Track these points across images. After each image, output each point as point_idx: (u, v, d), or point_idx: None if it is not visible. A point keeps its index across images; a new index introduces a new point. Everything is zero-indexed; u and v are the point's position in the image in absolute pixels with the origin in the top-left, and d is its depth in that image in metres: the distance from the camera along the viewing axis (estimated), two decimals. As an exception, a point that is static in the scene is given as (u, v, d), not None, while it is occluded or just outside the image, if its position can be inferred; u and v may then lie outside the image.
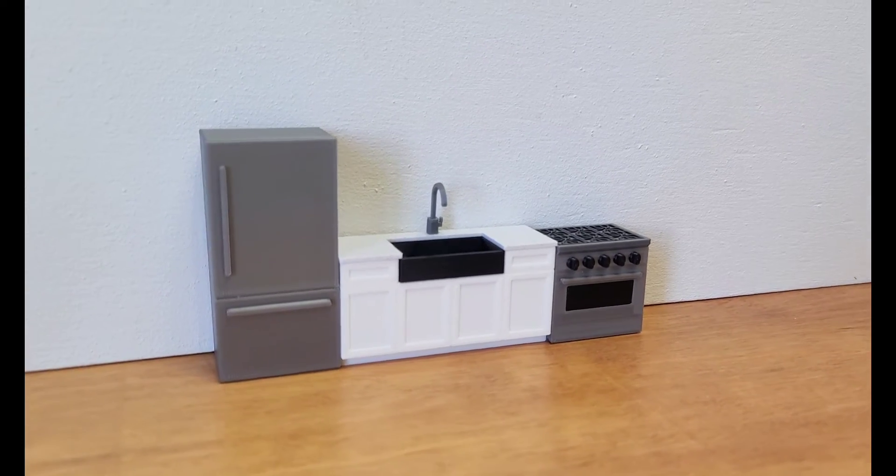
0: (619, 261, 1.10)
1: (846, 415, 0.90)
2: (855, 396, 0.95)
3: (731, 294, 1.33)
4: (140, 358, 1.01)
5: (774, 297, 1.33)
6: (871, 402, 0.93)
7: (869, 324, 1.21)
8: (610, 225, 1.19)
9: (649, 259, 1.25)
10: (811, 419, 0.89)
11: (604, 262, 1.09)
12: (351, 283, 0.97)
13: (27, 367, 0.96)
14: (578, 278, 1.08)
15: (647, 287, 1.27)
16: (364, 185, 1.07)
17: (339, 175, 1.05)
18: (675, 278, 1.28)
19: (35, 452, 0.78)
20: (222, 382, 0.95)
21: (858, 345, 1.12)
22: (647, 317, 1.22)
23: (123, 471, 0.75)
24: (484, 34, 1.06)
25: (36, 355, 0.96)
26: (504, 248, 1.03)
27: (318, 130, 0.97)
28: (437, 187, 1.05)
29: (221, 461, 0.77)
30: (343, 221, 1.07)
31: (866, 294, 1.36)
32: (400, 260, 0.98)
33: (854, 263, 1.41)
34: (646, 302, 1.28)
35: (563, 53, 1.11)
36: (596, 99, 1.15)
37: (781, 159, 1.30)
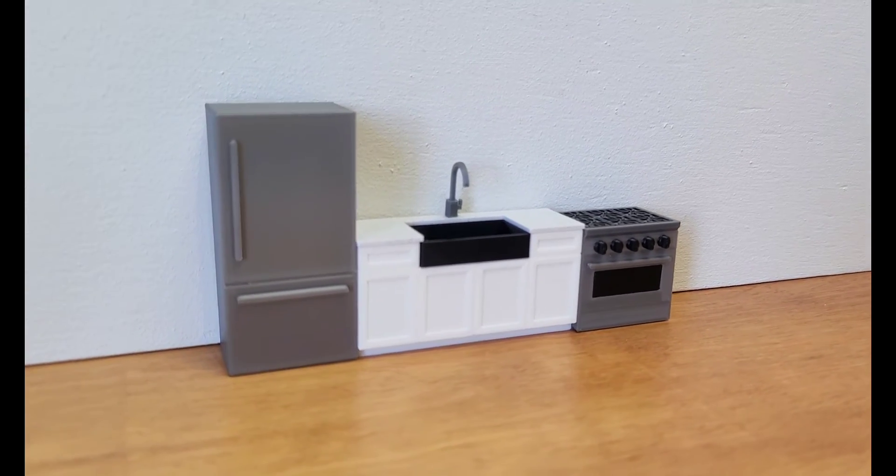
0: (648, 244, 1.04)
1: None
2: (904, 384, 0.90)
3: (755, 280, 1.28)
4: (141, 350, 0.94)
5: (800, 283, 1.29)
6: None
7: (903, 309, 1.17)
8: (634, 208, 1.13)
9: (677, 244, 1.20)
10: (863, 408, 0.84)
11: (632, 245, 1.03)
12: (369, 269, 0.91)
13: (26, 361, 0.89)
14: (606, 263, 1.03)
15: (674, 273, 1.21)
16: (379, 165, 1.00)
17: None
18: (699, 264, 1.23)
19: (34, 452, 0.71)
20: (232, 375, 0.88)
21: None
22: (674, 304, 1.17)
23: (132, 471, 0.68)
24: (505, 4, 1.00)
25: (31, 348, 0.89)
26: (529, 231, 0.97)
27: (331, 105, 0.91)
28: (458, 166, 0.98)
29: (239, 460, 0.71)
30: (357, 203, 1.01)
31: (893, 280, 1.31)
32: (421, 243, 0.92)
33: (879, 248, 1.36)
34: (680, 288, 1.22)
35: (588, 26, 1.05)
36: (620, 75, 1.09)
37: (807, 140, 1.25)
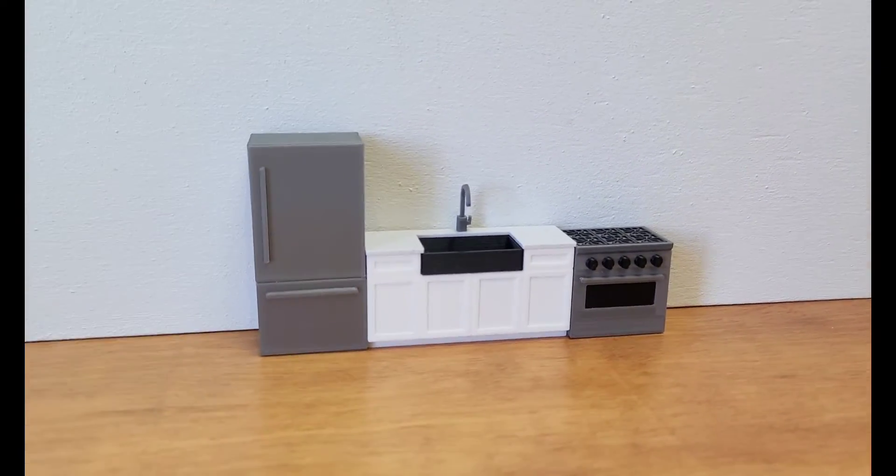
0: (640, 263, 1.14)
1: (841, 424, 0.91)
2: (858, 407, 0.95)
3: (771, 300, 1.33)
4: (199, 331, 1.16)
5: (819, 305, 1.32)
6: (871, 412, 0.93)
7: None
8: (640, 228, 1.22)
9: (682, 262, 1.28)
10: (802, 425, 0.91)
11: (624, 263, 1.13)
12: (377, 274, 1.08)
13: (107, 334, 1.14)
14: (597, 278, 1.14)
15: (680, 290, 1.29)
16: (399, 185, 1.17)
17: (376, 175, 1.16)
18: (709, 282, 1.30)
19: (96, 403, 0.94)
20: (263, 356, 1.08)
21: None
22: (677, 318, 1.25)
23: (161, 422, 0.89)
24: (516, 45, 1.13)
25: (114, 324, 1.14)
26: (523, 247, 1.10)
27: (353, 135, 1.08)
28: (464, 189, 1.13)
29: (241, 422, 0.90)
30: (380, 217, 1.18)
31: (922, 307, 1.31)
32: (422, 254, 1.08)
33: (914, 275, 1.36)
34: (679, 304, 1.30)
35: (596, 63, 1.16)
36: (628, 106, 1.19)
37: (832, 166, 1.28)
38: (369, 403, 0.95)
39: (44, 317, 1.12)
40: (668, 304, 1.30)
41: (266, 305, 1.06)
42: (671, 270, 1.28)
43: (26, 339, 1.12)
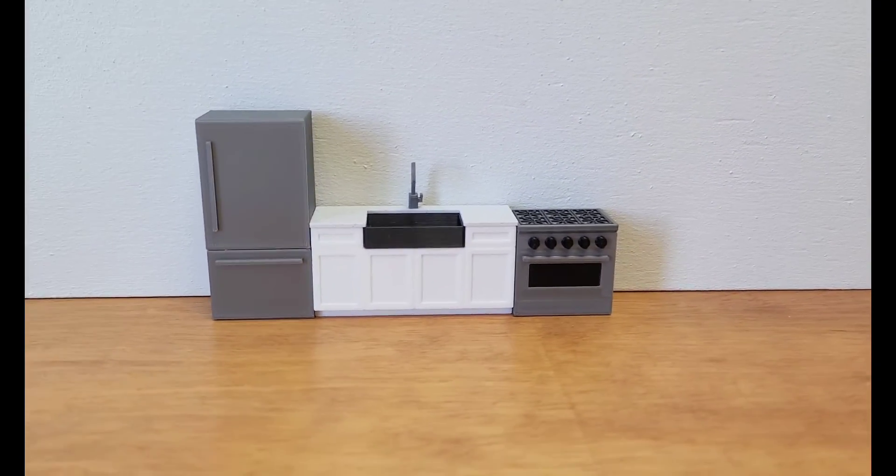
0: (584, 244, 1.15)
1: (748, 408, 0.90)
2: (776, 393, 0.94)
3: (736, 287, 1.31)
4: (164, 295, 1.24)
5: (786, 294, 1.29)
6: (783, 400, 0.92)
7: (863, 329, 1.15)
8: (595, 210, 1.23)
9: (642, 246, 1.27)
10: (706, 407, 0.91)
11: (567, 243, 1.14)
12: (321, 246, 1.13)
13: (81, 294, 1.23)
14: (540, 257, 1.15)
15: (639, 274, 1.29)
16: (354, 162, 1.21)
17: (332, 152, 1.21)
18: (671, 267, 1.29)
19: (49, 353, 1.03)
20: (215, 320, 1.15)
21: (834, 347, 1.08)
22: (633, 302, 1.25)
23: (99, 373, 0.98)
24: (468, 27, 1.16)
25: (88, 286, 1.23)
26: (465, 225, 1.13)
27: (301, 113, 1.13)
28: (413, 166, 1.17)
29: (169, 376, 0.97)
30: (335, 192, 1.23)
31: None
32: (364, 228, 1.12)
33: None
34: (638, 288, 1.30)
35: (549, 44, 1.17)
36: (584, 87, 1.20)
37: (802, 152, 1.25)
38: (294, 366, 1.00)
39: (26, 277, 1.22)
40: (627, 287, 1.30)
41: (216, 272, 1.13)
42: (631, 254, 1.28)
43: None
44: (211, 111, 1.15)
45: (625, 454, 0.81)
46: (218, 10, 1.12)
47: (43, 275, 1.22)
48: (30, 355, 1.03)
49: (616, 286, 1.29)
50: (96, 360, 1.02)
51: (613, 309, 1.21)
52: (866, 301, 1.26)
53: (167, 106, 1.16)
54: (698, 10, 1.17)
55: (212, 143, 1.07)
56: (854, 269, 1.31)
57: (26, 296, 1.23)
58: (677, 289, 1.31)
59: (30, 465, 0.78)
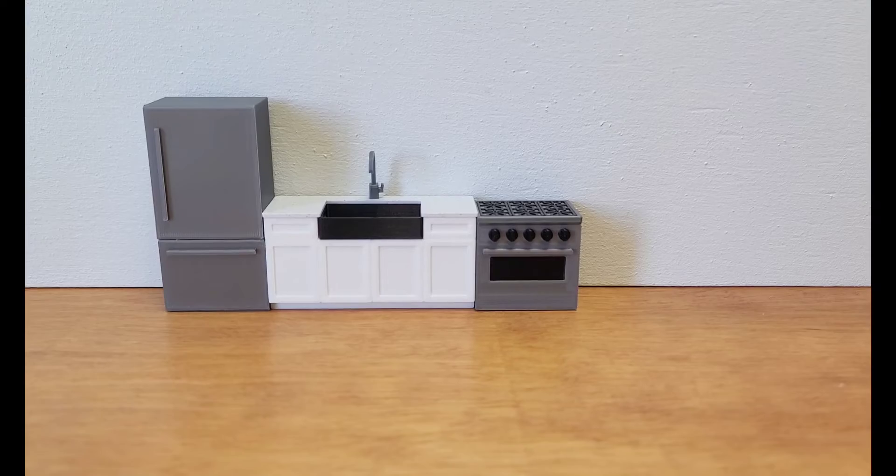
0: (547, 236, 1.11)
1: (701, 409, 0.86)
2: (733, 393, 0.90)
3: (713, 283, 1.26)
4: (122, 286, 1.22)
5: (764, 291, 1.24)
6: (754, 402, 0.88)
7: (839, 327, 1.10)
8: (562, 201, 1.19)
9: (613, 239, 1.23)
10: (658, 408, 0.87)
11: (529, 235, 1.10)
12: (275, 237, 1.10)
13: (38, 284, 1.22)
14: (501, 250, 1.11)
15: (610, 268, 1.25)
16: (313, 151, 1.18)
17: (290, 140, 1.17)
18: (644, 262, 1.25)
19: (-7, 343, 1.01)
20: (168, 311, 1.13)
21: (804, 347, 1.03)
22: (602, 297, 1.21)
23: (38, 364, 0.96)
24: (428, 11, 1.12)
25: (46, 276, 1.21)
26: (422, 216, 1.10)
27: (254, 100, 1.10)
28: (371, 155, 1.13)
29: (109, 368, 0.95)
30: (295, 182, 1.20)
31: (880, 298, 1.21)
32: (318, 218, 1.09)
33: (879, 264, 1.25)
34: (609, 283, 1.26)
35: (513, 29, 1.13)
36: (550, 75, 1.15)
37: (781, 142, 1.20)
38: (237, 359, 0.98)
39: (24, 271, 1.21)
40: (597, 282, 1.25)
41: (168, 262, 1.10)
42: (602, 248, 1.24)
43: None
44: (165, 98, 1.12)
45: (562, 455, 0.77)
46: (171, -6, 1.10)
47: None
48: (-28, 345, 1.01)
49: (585, 281, 1.25)
50: (39, 350, 1.00)
51: (581, 304, 1.17)
52: (848, 299, 1.21)
53: (122, 92, 1.14)
54: (670, -7, 1.12)
55: (160, 130, 1.04)
56: (836, 265, 1.25)
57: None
58: (650, 284, 1.26)
59: (-55, 457, 0.76)
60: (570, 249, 1.12)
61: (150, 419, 0.83)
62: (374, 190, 1.17)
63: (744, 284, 1.26)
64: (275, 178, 1.19)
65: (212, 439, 0.79)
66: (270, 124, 1.16)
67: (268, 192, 1.13)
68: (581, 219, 1.11)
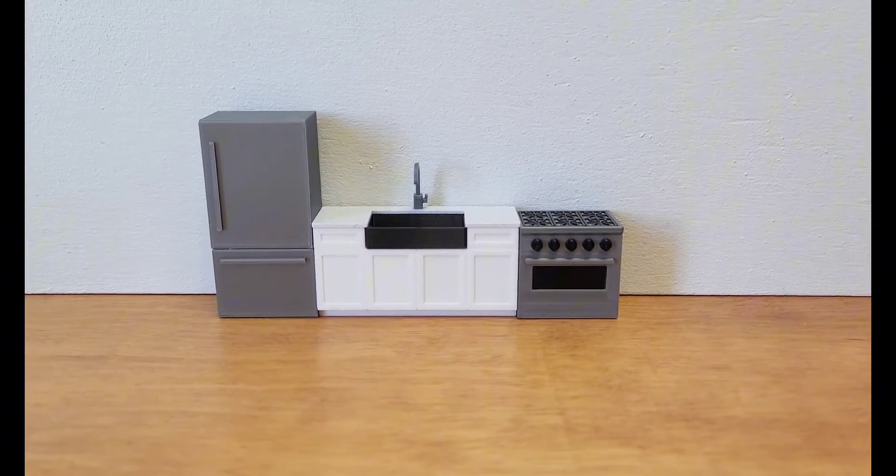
0: (588, 246, 1.13)
1: (745, 418, 0.88)
2: (776, 403, 0.91)
3: (753, 293, 1.27)
4: (175, 292, 1.27)
5: (805, 300, 1.25)
6: (786, 411, 0.89)
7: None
8: (602, 212, 1.21)
9: (653, 249, 1.25)
10: (701, 416, 0.88)
11: (571, 245, 1.13)
12: (323, 246, 1.14)
13: (96, 290, 1.27)
14: (543, 259, 1.14)
15: (650, 277, 1.26)
16: (359, 163, 1.22)
17: (337, 152, 1.21)
18: (684, 271, 1.26)
19: (58, 348, 1.06)
20: (221, 317, 1.17)
21: (847, 357, 1.04)
22: (643, 306, 1.22)
23: (102, 368, 1.00)
24: (472, 26, 1.15)
25: (103, 282, 1.27)
26: (466, 226, 1.13)
27: (305, 114, 1.14)
28: (416, 167, 1.17)
29: (169, 373, 0.99)
30: (342, 193, 1.23)
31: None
32: (365, 228, 1.12)
33: (922, 273, 1.25)
34: (649, 292, 1.27)
35: (555, 43, 1.16)
36: (591, 87, 1.18)
37: (822, 153, 1.20)
38: (290, 365, 1.01)
39: (44, 273, 1.26)
40: (637, 291, 1.27)
41: (221, 270, 1.15)
42: (643, 258, 1.25)
43: (27, 292, 1.27)
44: (217, 112, 1.16)
45: (608, 462, 0.79)
46: (225, 13, 1.14)
47: (61, 271, 1.26)
48: (39, 350, 1.06)
49: (626, 290, 1.27)
50: (101, 355, 1.04)
51: (622, 313, 1.19)
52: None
53: (177, 107, 1.18)
54: (710, 6, 1.13)
55: (215, 144, 1.08)
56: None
57: (48, 291, 1.27)
58: (690, 293, 1.27)
59: (22, 456, 0.80)
60: (612, 259, 1.14)
61: (211, 422, 0.87)
62: (419, 200, 1.20)
63: (784, 294, 1.27)
64: (322, 189, 1.23)
65: (270, 442, 0.83)
66: (319, 137, 1.20)
67: (316, 203, 1.17)
68: (622, 229, 1.13)
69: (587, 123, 1.19)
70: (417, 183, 1.19)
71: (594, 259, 1.14)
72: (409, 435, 0.84)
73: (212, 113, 1.18)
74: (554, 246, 1.13)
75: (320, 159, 1.21)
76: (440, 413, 0.89)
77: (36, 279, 1.27)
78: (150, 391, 0.94)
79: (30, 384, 0.96)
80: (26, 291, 1.28)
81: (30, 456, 0.80)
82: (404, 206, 1.23)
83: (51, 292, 1.27)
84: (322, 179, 1.23)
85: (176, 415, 0.89)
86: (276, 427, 0.86)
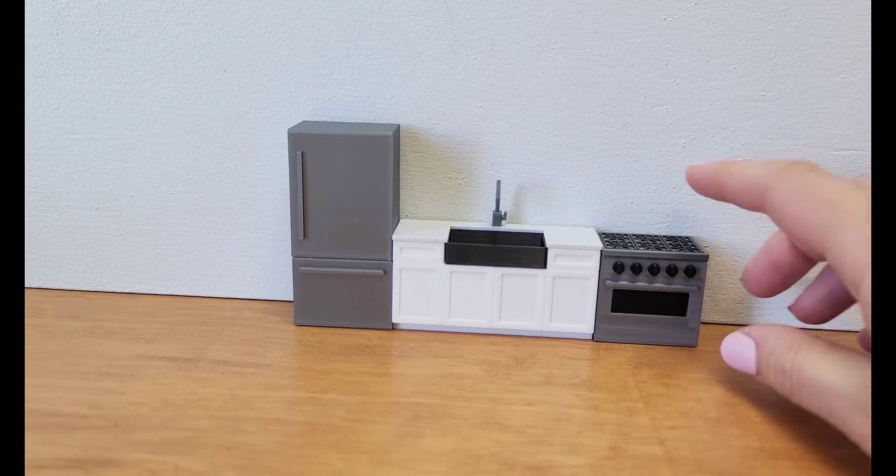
0: (671, 272, 1.10)
1: (854, 459, 0.85)
2: (884, 446, 0.88)
3: (846, 328, 1.23)
4: (260, 298, 1.28)
5: None
6: None
7: None
8: (688, 238, 1.19)
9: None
10: (809, 455, 0.85)
11: (653, 270, 1.11)
12: (402, 259, 1.13)
13: (183, 292, 1.28)
14: (624, 283, 1.12)
15: (739, 307, 1.23)
16: (449, 178, 1.22)
17: (427, 166, 1.21)
18: (775, 301, 1.23)
19: (150, 348, 1.08)
20: (297, 325, 1.17)
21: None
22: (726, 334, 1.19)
23: (194, 371, 1.01)
24: (571, 45, 1.14)
25: (190, 284, 1.28)
26: (547, 246, 1.11)
27: (392, 126, 1.14)
28: (498, 184, 1.16)
29: (260, 379, 0.99)
30: (427, 206, 1.23)
31: None
32: (445, 243, 1.12)
33: None
34: (737, 321, 1.24)
35: (654, 65, 1.14)
36: (689, 111, 1.16)
37: (925, 187, 1.16)
38: (380, 377, 1.01)
39: (134, 272, 1.29)
40: (723, 320, 1.24)
41: (300, 278, 1.15)
42: (731, 286, 1.23)
43: (118, 290, 1.29)
44: (304, 121, 1.17)
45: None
46: (325, 24, 1.15)
47: (149, 271, 1.28)
48: (133, 349, 1.08)
49: (711, 318, 1.24)
50: (192, 357, 1.05)
51: (705, 342, 1.16)
52: None
53: (272, 115, 1.20)
54: (818, 33, 1.11)
55: (302, 153, 1.09)
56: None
57: (137, 291, 1.29)
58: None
59: (127, 455, 0.81)
60: (695, 286, 1.12)
61: (307, 432, 0.87)
62: (498, 217, 1.19)
63: (877, 330, 1.23)
64: (401, 202, 1.23)
65: (368, 456, 0.82)
66: (405, 150, 1.20)
67: (395, 215, 1.17)
68: (708, 256, 1.11)
69: (683, 147, 1.18)
70: (498, 200, 1.18)
71: (677, 285, 1.12)
72: (507, 457, 0.83)
73: (298, 122, 1.19)
74: (636, 270, 1.11)
75: (402, 172, 1.22)
76: (536, 436, 0.88)
77: (124, 278, 1.29)
78: (243, 397, 0.95)
79: (128, 382, 0.97)
80: (116, 289, 1.30)
81: (135, 455, 0.81)
82: (481, 222, 1.22)
83: (138, 291, 1.29)
84: (402, 192, 1.23)
85: (271, 422, 0.89)
86: (373, 440, 0.85)
